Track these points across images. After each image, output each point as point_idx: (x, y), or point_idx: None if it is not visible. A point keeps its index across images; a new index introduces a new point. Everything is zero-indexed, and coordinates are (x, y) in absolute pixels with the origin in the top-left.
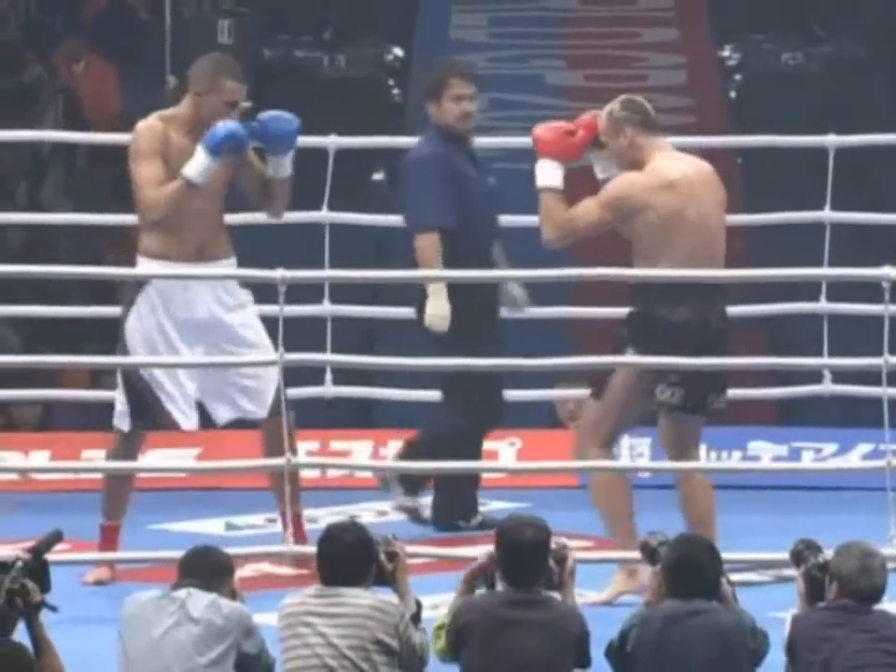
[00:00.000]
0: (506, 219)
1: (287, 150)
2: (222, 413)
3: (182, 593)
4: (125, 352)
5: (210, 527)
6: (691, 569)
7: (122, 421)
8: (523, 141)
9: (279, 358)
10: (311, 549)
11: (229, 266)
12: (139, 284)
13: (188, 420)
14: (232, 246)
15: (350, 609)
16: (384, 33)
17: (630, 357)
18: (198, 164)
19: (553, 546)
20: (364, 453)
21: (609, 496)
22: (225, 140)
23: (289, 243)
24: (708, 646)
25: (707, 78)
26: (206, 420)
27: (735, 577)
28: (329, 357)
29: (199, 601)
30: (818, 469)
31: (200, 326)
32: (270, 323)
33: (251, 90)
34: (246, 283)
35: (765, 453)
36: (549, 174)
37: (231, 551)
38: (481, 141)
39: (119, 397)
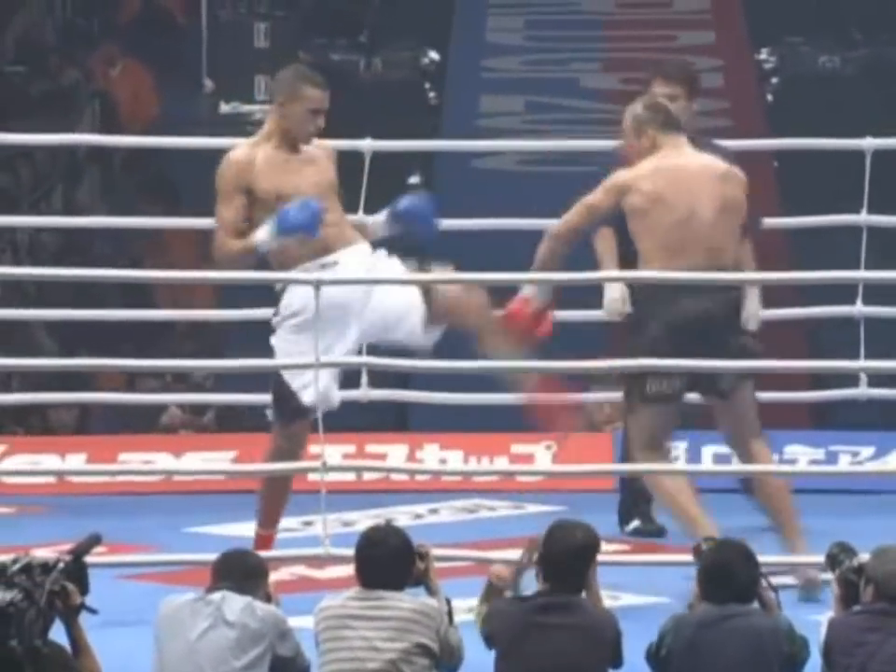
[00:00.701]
0: (542, 223)
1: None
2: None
3: (217, 596)
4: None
5: (246, 530)
6: (724, 574)
7: (273, 416)
8: (557, 144)
9: (315, 361)
10: (347, 551)
11: (359, 248)
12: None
13: (319, 399)
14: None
15: (393, 612)
16: (419, 36)
17: (660, 361)
18: (266, 237)
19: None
20: (399, 456)
21: (673, 496)
22: (294, 229)
23: None
24: (741, 649)
25: (743, 82)
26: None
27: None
28: (365, 359)
29: (234, 604)
30: (855, 473)
31: (356, 304)
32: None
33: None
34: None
35: (802, 456)
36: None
37: (266, 554)
38: (517, 144)
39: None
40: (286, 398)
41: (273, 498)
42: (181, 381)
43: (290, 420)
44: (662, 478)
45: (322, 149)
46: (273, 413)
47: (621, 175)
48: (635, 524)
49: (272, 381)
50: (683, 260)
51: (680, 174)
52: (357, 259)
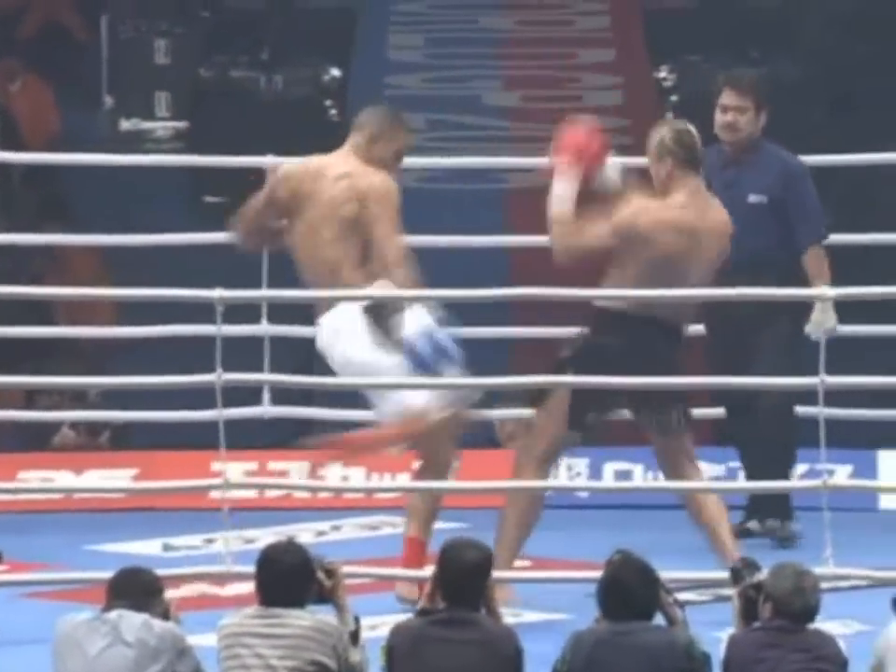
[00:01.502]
0: (444, 239)
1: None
2: None
3: (113, 615)
4: None
5: (147, 548)
6: (620, 591)
7: None
8: (458, 161)
9: (217, 378)
10: (249, 569)
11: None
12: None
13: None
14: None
15: (289, 630)
16: (321, 53)
17: (572, 378)
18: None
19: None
20: (301, 473)
21: (521, 514)
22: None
23: (228, 263)
24: (638, 666)
25: (643, 99)
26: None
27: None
28: (266, 376)
29: (131, 622)
30: (753, 489)
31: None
32: (208, 342)
33: (186, 110)
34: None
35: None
36: (562, 191)
37: (168, 571)
38: (419, 161)
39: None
40: None
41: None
42: (78, 400)
43: None
44: (520, 498)
45: None
46: None
47: (634, 219)
48: (770, 523)
49: None
50: (681, 316)
51: (693, 233)
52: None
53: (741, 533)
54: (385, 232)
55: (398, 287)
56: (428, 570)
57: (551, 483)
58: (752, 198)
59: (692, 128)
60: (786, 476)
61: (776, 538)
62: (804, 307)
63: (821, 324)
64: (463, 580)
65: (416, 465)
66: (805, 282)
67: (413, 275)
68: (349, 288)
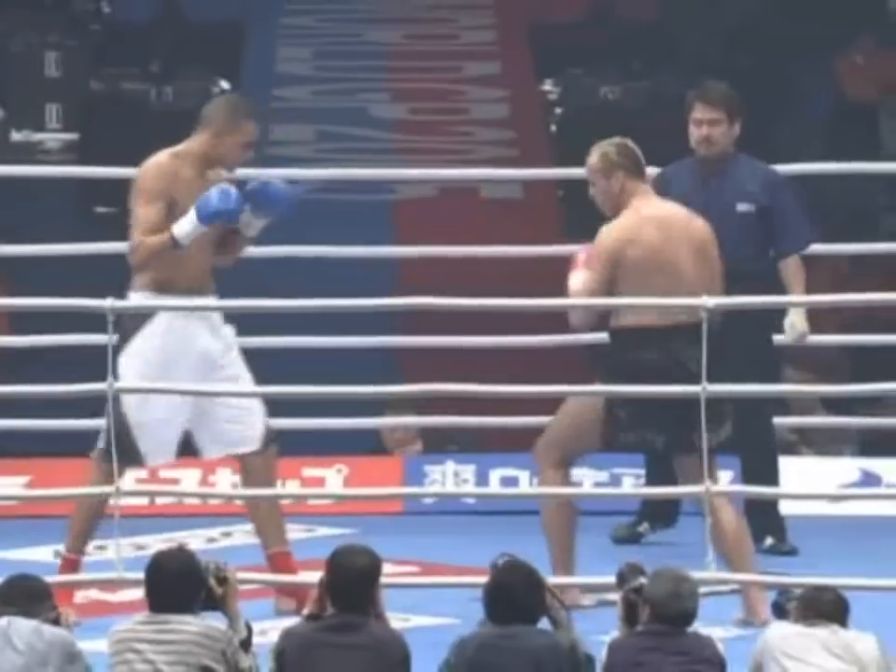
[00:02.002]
0: (333, 250)
1: (269, 216)
2: (211, 449)
3: (3, 621)
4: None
5: (38, 555)
6: (506, 595)
7: (100, 454)
8: (347, 173)
9: (108, 388)
10: (140, 575)
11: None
12: (143, 317)
13: (159, 457)
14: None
15: (177, 635)
16: (210, 65)
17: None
18: (187, 228)
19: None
20: (192, 480)
21: (556, 522)
22: (217, 215)
23: (118, 273)
24: (521, 668)
25: (528, 112)
26: (192, 452)
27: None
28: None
29: (20, 628)
30: (636, 494)
31: (199, 358)
32: (100, 351)
33: (77, 122)
34: (228, 316)
35: (587, 479)
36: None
37: (60, 578)
38: (308, 173)
39: (102, 430)
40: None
41: (86, 523)
42: None
43: (120, 463)
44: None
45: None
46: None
47: (607, 240)
48: (769, 541)
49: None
50: (673, 314)
51: (666, 224)
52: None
53: (633, 537)
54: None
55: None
56: (308, 577)
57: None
58: (741, 207)
59: (627, 140)
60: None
61: (778, 553)
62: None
63: (794, 329)
64: (352, 585)
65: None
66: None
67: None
68: None
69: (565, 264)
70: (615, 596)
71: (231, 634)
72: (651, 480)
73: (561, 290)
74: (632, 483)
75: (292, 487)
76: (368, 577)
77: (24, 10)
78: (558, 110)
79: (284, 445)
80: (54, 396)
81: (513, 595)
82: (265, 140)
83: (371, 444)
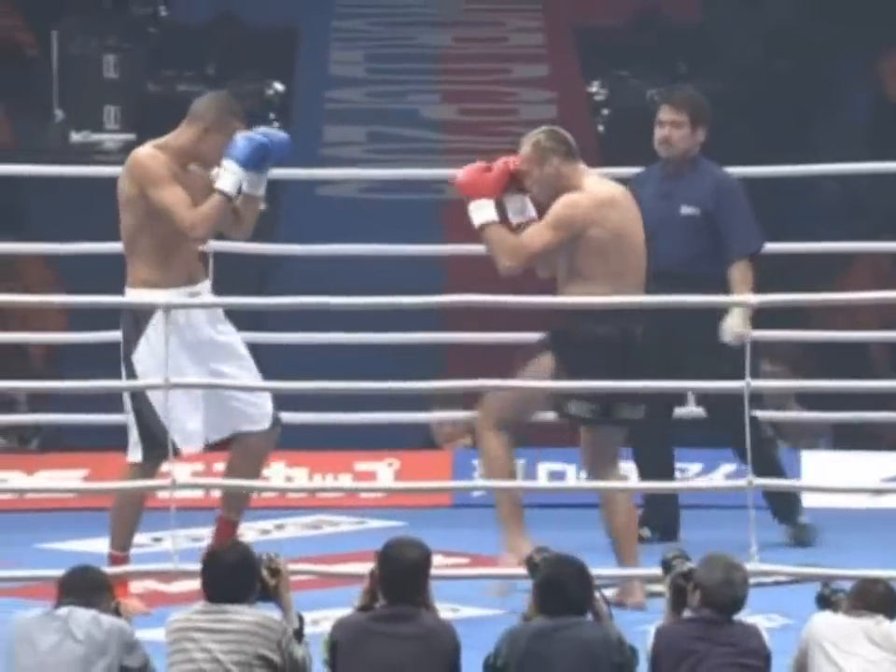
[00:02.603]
0: (383, 248)
1: (271, 166)
2: (223, 428)
3: (63, 611)
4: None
5: (97, 546)
6: (558, 588)
7: (135, 453)
8: (397, 173)
9: (165, 383)
10: (196, 566)
11: (208, 287)
12: (146, 314)
13: (193, 445)
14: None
15: (234, 625)
16: (265, 68)
17: (506, 382)
18: (231, 177)
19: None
20: None
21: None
22: (256, 150)
23: None
24: (574, 659)
25: (576, 113)
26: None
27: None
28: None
29: (80, 618)
30: (682, 488)
31: (204, 347)
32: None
33: (134, 123)
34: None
35: (633, 473)
36: (483, 211)
37: (118, 568)
38: (360, 172)
39: (130, 428)
40: (156, 437)
41: (127, 520)
42: (8, 406)
43: (156, 458)
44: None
45: (201, 177)
46: (142, 450)
47: (572, 209)
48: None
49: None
50: (623, 283)
51: (619, 204)
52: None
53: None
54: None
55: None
56: (359, 569)
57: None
58: (685, 210)
59: (555, 126)
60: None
61: (798, 541)
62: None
63: (733, 329)
64: (403, 577)
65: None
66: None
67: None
68: None
69: None
70: (657, 588)
71: (286, 624)
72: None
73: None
74: (678, 477)
75: (344, 481)
76: (418, 569)
77: (84, 14)
78: (605, 111)
79: (337, 440)
80: (115, 391)
81: (565, 587)
82: (318, 141)
83: (421, 439)
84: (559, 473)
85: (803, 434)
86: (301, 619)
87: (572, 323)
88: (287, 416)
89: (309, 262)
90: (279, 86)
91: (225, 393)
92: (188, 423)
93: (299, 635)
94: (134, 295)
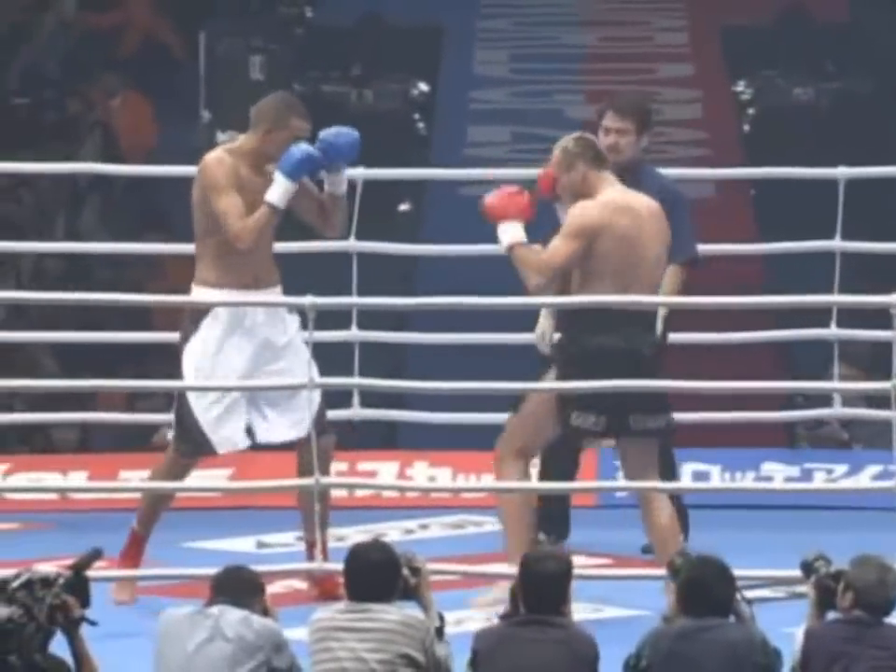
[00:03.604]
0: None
1: (345, 165)
2: (266, 434)
3: (215, 609)
4: (182, 377)
5: (241, 545)
6: (702, 590)
7: (177, 445)
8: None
9: (308, 382)
10: (338, 566)
11: (277, 293)
12: (201, 312)
13: (230, 446)
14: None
15: (378, 624)
16: (409, 68)
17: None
18: (279, 189)
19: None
20: (390, 473)
21: (518, 511)
22: (302, 163)
23: (319, 271)
24: (717, 661)
25: (721, 113)
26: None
27: (749, 594)
28: (356, 380)
29: (231, 617)
30: (829, 490)
31: (260, 350)
32: None
33: None
34: (292, 309)
35: (778, 474)
36: (510, 232)
37: (261, 568)
38: (504, 172)
39: (174, 421)
40: (193, 435)
41: (153, 511)
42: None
43: (191, 455)
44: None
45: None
46: (182, 445)
47: (583, 216)
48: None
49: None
50: (630, 293)
51: (633, 213)
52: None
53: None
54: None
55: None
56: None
57: (628, 484)
58: None
59: (586, 133)
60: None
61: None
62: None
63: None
64: (546, 590)
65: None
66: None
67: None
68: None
69: (758, 262)
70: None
71: (429, 623)
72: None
73: (742, 290)
74: (823, 479)
75: (488, 481)
76: (560, 580)
77: (231, 16)
78: (751, 111)
79: (481, 441)
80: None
81: (708, 588)
82: (462, 141)
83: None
84: (703, 473)
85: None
86: (441, 618)
87: (578, 334)
88: (432, 417)
89: (453, 261)
90: (424, 86)
91: (261, 401)
92: (225, 425)
93: (440, 633)
94: (195, 293)
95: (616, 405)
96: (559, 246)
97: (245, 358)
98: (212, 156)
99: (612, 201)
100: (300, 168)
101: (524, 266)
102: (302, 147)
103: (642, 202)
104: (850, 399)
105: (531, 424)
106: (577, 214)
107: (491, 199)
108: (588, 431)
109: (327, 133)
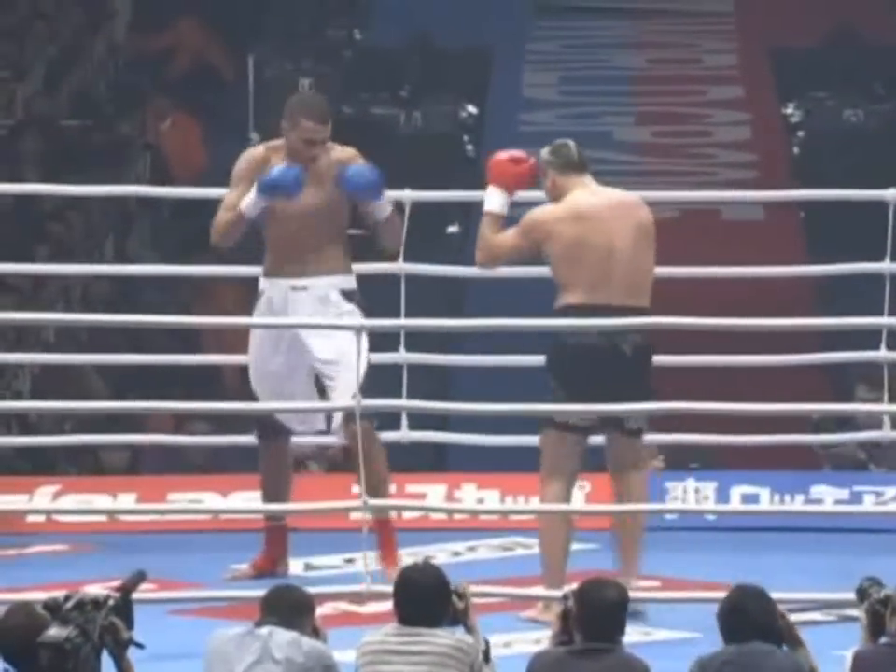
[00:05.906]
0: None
1: (373, 200)
2: (296, 426)
3: (264, 630)
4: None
5: (290, 568)
6: (741, 614)
7: (258, 436)
8: None
9: (357, 404)
10: (388, 588)
11: (331, 281)
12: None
13: (301, 425)
14: (347, 262)
15: (429, 647)
16: (458, 91)
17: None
18: (248, 200)
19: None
20: (438, 495)
21: (552, 532)
22: (272, 187)
23: (367, 292)
24: None
25: (770, 135)
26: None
27: (799, 616)
28: (404, 402)
29: (280, 639)
30: (879, 512)
31: (290, 339)
32: None
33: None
34: (350, 298)
35: (828, 496)
36: (493, 200)
37: (310, 590)
38: None
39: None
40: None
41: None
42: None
43: (270, 441)
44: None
45: (327, 169)
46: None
47: (535, 219)
48: None
49: None
50: (604, 294)
51: (595, 211)
52: (322, 294)
53: None
54: None
55: None
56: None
57: (676, 506)
58: None
59: (568, 141)
60: None
61: None
62: None
63: None
64: (603, 618)
65: None
66: None
67: None
68: None
69: (808, 284)
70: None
71: (478, 647)
72: None
73: (798, 311)
74: (873, 501)
75: (536, 503)
76: (617, 609)
77: (279, 38)
78: (800, 133)
79: (529, 463)
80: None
81: (748, 615)
82: None
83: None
84: (752, 496)
85: None
86: (486, 642)
87: (559, 338)
88: (481, 439)
89: (501, 284)
90: (473, 108)
91: (295, 392)
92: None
93: (486, 656)
94: (260, 281)
95: (587, 401)
96: (507, 239)
97: (280, 348)
98: (249, 151)
99: (565, 208)
100: (270, 190)
101: (480, 239)
102: (285, 173)
103: (608, 199)
104: (873, 421)
105: (558, 447)
106: (529, 215)
107: (497, 158)
108: (577, 427)
109: (348, 172)
